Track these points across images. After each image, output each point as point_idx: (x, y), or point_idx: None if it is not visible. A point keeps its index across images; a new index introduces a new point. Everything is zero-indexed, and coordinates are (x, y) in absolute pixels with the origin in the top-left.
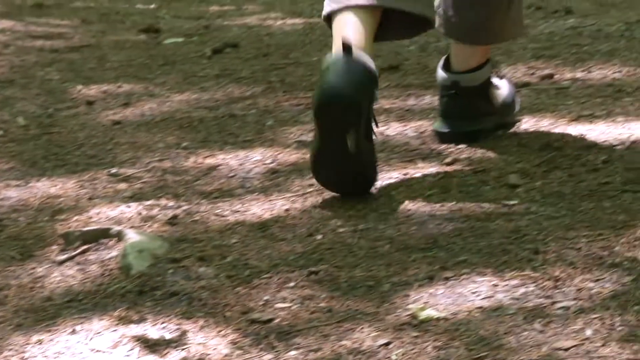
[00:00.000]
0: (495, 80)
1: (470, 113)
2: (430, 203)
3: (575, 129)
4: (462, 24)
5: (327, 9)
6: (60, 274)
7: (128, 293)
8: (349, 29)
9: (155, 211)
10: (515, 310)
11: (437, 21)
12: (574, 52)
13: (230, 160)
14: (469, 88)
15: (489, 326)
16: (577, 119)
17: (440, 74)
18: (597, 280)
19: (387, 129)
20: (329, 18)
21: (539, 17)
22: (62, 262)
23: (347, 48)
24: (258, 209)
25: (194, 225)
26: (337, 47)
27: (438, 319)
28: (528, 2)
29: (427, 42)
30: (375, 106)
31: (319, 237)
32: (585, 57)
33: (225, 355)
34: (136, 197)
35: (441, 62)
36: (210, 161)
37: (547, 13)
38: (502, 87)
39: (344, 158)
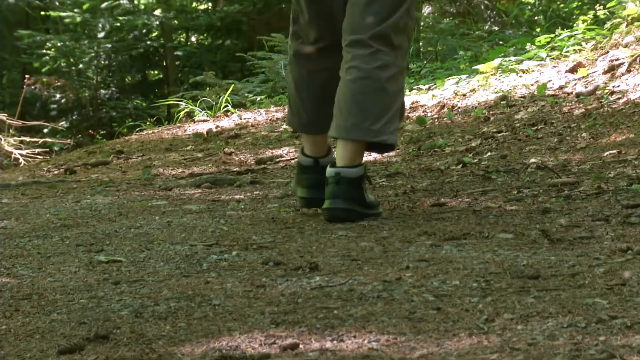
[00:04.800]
0: (366, 185)
1: (347, 196)
2: None
3: None
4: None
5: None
6: None
7: None
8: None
9: None
10: None
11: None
12: (322, 317)
13: None
14: (347, 178)
15: None
16: None
17: (328, 170)
18: None
19: None
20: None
21: (277, 274)
22: None
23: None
24: None
25: None
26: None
27: None
28: (264, 258)
29: (143, 305)
30: None
31: None
32: (335, 323)
33: None
34: None
35: (330, 165)
36: None
37: (288, 270)
38: (370, 192)
39: None
